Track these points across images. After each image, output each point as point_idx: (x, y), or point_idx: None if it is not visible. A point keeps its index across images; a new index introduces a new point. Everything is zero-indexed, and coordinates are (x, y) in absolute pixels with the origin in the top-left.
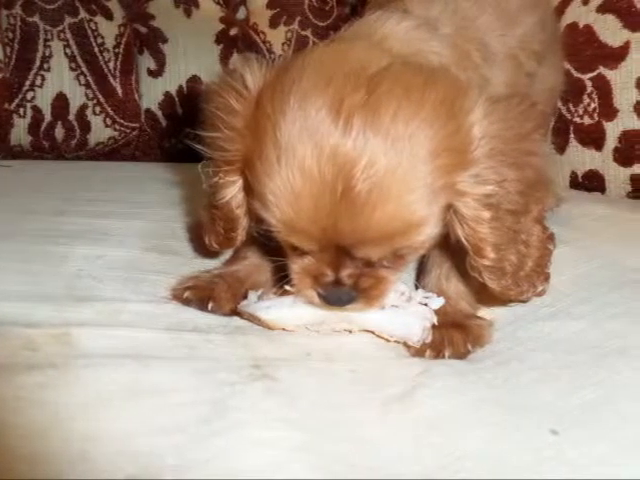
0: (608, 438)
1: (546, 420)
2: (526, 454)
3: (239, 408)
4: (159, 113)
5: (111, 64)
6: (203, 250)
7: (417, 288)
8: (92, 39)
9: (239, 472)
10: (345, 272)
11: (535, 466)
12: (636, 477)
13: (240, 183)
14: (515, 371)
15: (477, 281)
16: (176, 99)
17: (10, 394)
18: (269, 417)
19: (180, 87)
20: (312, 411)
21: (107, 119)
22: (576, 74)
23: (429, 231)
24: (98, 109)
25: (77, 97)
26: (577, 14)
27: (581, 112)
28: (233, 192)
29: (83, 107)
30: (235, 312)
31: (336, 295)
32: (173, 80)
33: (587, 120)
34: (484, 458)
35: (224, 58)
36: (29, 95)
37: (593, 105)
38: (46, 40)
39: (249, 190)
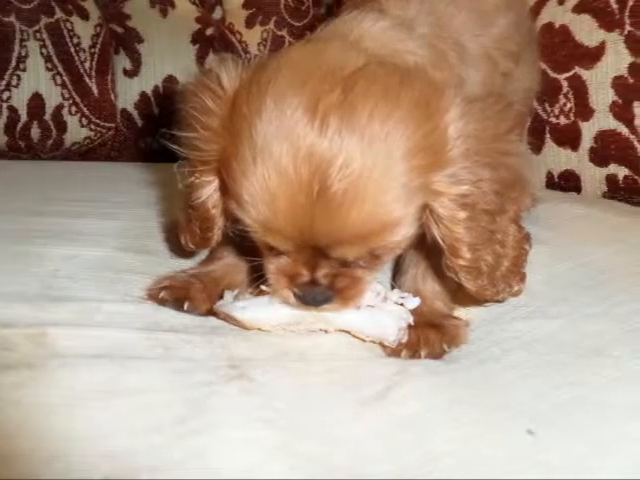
0: (584, 438)
1: (522, 420)
2: (502, 454)
3: (215, 408)
4: (135, 113)
5: (87, 64)
6: (179, 250)
7: (393, 288)
8: (68, 39)
9: (215, 472)
10: (321, 272)
11: (511, 466)
12: (612, 477)
13: (216, 183)
14: (491, 371)
15: (453, 281)
16: (152, 99)
17: None
18: (245, 417)
19: (156, 87)
20: (288, 411)
21: (83, 119)
22: (552, 74)
23: (405, 231)
24: (74, 109)
25: (53, 97)
26: (553, 14)
27: (557, 112)
28: (209, 192)
29: (59, 107)
30: (211, 312)
31: (312, 295)
32: (149, 80)
33: (563, 120)
34: (460, 458)
35: (200, 58)
36: (5, 95)
37: (569, 105)
38: (22, 40)
39: (225, 190)
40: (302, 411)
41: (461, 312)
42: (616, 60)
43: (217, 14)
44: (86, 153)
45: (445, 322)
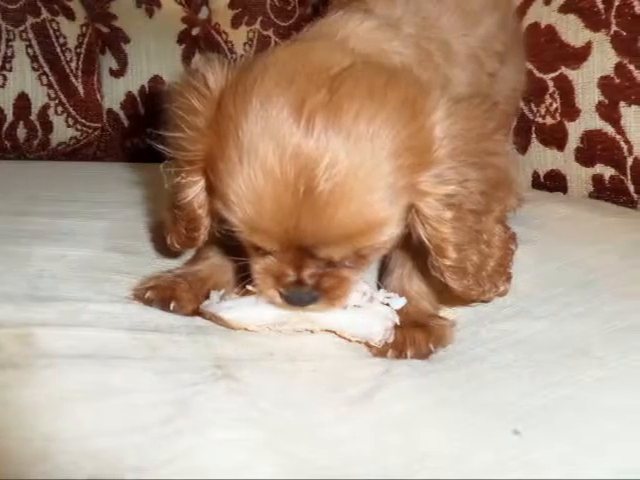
0: (570, 438)
1: (508, 420)
2: (488, 454)
3: (201, 408)
4: (121, 113)
5: (73, 64)
6: (165, 250)
7: (379, 288)
8: (54, 39)
9: (201, 472)
10: (307, 272)
11: (497, 466)
12: (597, 477)
13: (202, 183)
14: (477, 371)
15: (439, 281)
16: (138, 99)
17: None
18: (231, 417)
19: (142, 87)
20: (274, 411)
21: (69, 119)
22: (538, 74)
23: (391, 231)
24: (60, 109)
25: (39, 97)
26: (539, 14)
27: (543, 112)
28: (195, 192)
29: (45, 107)
30: (197, 312)
31: (298, 295)
32: (135, 80)
33: (549, 120)
34: (445, 458)
35: (186, 58)
36: None
37: (555, 105)
38: (8, 40)
39: (211, 190)
40: (288, 411)
41: (447, 312)
42: (602, 60)
43: (203, 14)
44: (72, 153)
45: (431, 322)
